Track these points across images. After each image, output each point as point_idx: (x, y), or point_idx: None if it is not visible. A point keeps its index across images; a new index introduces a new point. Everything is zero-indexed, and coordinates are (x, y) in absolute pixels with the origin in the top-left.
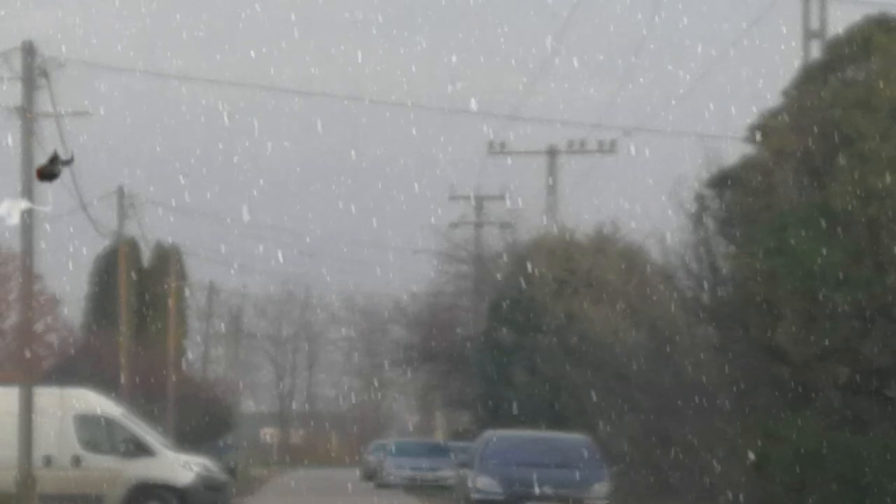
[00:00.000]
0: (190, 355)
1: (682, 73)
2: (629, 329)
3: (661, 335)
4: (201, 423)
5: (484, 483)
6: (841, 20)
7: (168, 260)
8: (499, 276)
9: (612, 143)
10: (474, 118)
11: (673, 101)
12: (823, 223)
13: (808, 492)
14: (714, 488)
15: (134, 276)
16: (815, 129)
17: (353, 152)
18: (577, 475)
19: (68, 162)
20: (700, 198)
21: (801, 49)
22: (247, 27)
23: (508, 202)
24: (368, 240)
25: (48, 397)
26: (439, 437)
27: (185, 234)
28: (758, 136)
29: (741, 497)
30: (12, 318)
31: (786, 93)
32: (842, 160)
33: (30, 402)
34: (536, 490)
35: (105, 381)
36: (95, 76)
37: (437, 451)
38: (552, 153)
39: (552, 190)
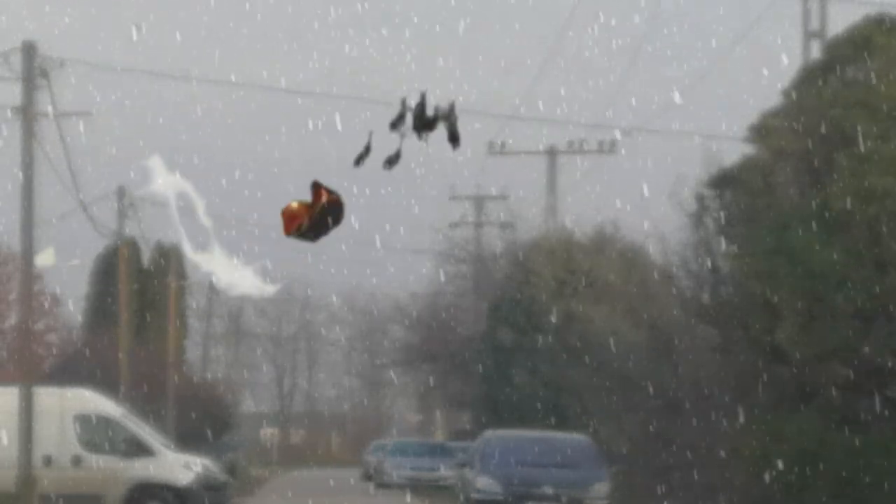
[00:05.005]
0: (190, 355)
1: (682, 73)
2: (629, 329)
3: (661, 335)
4: (201, 423)
5: (484, 483)
6: (841, 20)
7: (168, 260)
8: (499, 276)
9: (612, 143)
10: (474, 118)
11: (674, 101)
12: (823, 223)
13: (808, 492)
14: (714, 488)
15: (134, 276)
16: (815, 129)
17: (352, 152)
18: (577, 475)
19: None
20: (700, 198)
21: (801, 49)
22: (247, 26)
23: (508, 202)
24: (368, 240)
25: (48, 397)
26: (439, 437)
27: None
28: (758, 137)
29: (741, 497)
30: (12, 318)
31: (786, 93)
32: (842, 160)
33: (30, 402)
34: (536, 490)
35: (105, 381)
36: (95, 76)
37: (438, 451)
38: (552, 153)
39: (552, 190)
